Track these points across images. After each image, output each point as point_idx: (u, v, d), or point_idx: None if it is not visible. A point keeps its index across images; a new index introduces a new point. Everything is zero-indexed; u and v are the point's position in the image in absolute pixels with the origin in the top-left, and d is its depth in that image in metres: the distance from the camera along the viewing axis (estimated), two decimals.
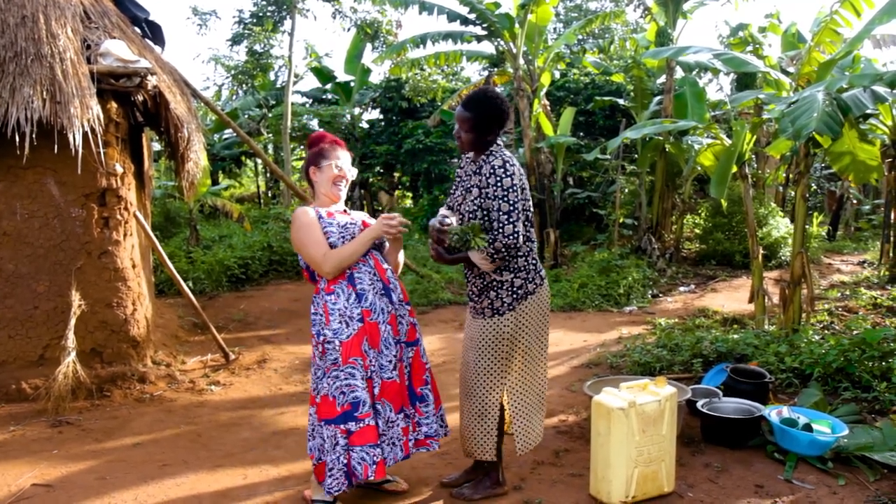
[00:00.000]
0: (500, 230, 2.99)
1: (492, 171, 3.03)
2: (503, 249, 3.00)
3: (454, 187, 3.30)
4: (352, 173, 3.27)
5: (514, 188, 3.02)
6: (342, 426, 2.96)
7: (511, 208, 3.00)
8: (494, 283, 3.11)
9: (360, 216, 3.30)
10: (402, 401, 3.13)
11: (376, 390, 3.04)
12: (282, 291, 8.46)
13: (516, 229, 3.00)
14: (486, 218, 3.05)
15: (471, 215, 3.08)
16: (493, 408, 3.16)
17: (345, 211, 3.29)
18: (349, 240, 3.08)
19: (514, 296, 3.11)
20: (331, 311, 3.01)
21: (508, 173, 3.02)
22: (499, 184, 3.01)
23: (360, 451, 2.96)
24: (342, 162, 3.22)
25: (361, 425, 2.95)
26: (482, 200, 3.05)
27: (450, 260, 3.13)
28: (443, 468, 3.67)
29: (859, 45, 6.11)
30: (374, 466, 2.94)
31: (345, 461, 2.96)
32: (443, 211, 3.18)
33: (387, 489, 3.39)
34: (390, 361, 3.08)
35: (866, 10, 6.33)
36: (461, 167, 3.32)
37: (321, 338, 3.03)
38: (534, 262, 3.18)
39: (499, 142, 3.17)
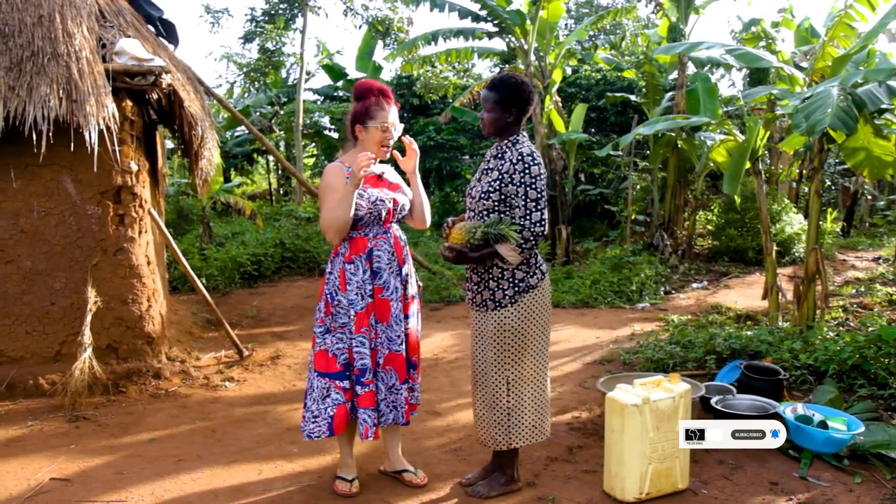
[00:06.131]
0: (528, 217, 3.00)
1: (520, 157, 3.04)
2: (532, 238, 3.01)
3: (476, 172, 3.31)
4: (398, 129, 3.22)
5: (542, 177, 3.04)
6: (338, 382, 3.17)
7: (539, 195, 3.02)
8: (494, 273, 3.11)
9: (395, 178, 3.37)
10: (406, 371, 3.30)
11: (381, 359, 3.22)
12: (294, 288, 8.50)
13: (543, 217, 3.02)
14: (501, 202, 3.06)
15: (483, 195, 3.09)
16: (501, 398, 3.17)
17: (382, 176, 3.28)
18: (377, 215, 3.17)
19: (516, 288, 3.11)
20: (348, 281, 3.15)
21: (536, 162, 3.04)
22: (527, 170, 3.01)
23: (363, 413, 3.15)
24: (390, 120, 3.16)
25: (366, 390, 3.15)
26: (503, 185, 3.05)
27: (475, 258, 3.07)
28: (457, 464, 3.69)
29: (874, 40, 6.04)
30: (374, 429, 3.14)
31: (331, 413, 3.17)
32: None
33: (404, 479, 3.44)
34: (398, 336, 3.24)
35: (881, 4, 6.26)
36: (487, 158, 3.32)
37: (334, 301, 3.17)
38: (536, 255, 3.19)
39: (523, 132, 3.18)
